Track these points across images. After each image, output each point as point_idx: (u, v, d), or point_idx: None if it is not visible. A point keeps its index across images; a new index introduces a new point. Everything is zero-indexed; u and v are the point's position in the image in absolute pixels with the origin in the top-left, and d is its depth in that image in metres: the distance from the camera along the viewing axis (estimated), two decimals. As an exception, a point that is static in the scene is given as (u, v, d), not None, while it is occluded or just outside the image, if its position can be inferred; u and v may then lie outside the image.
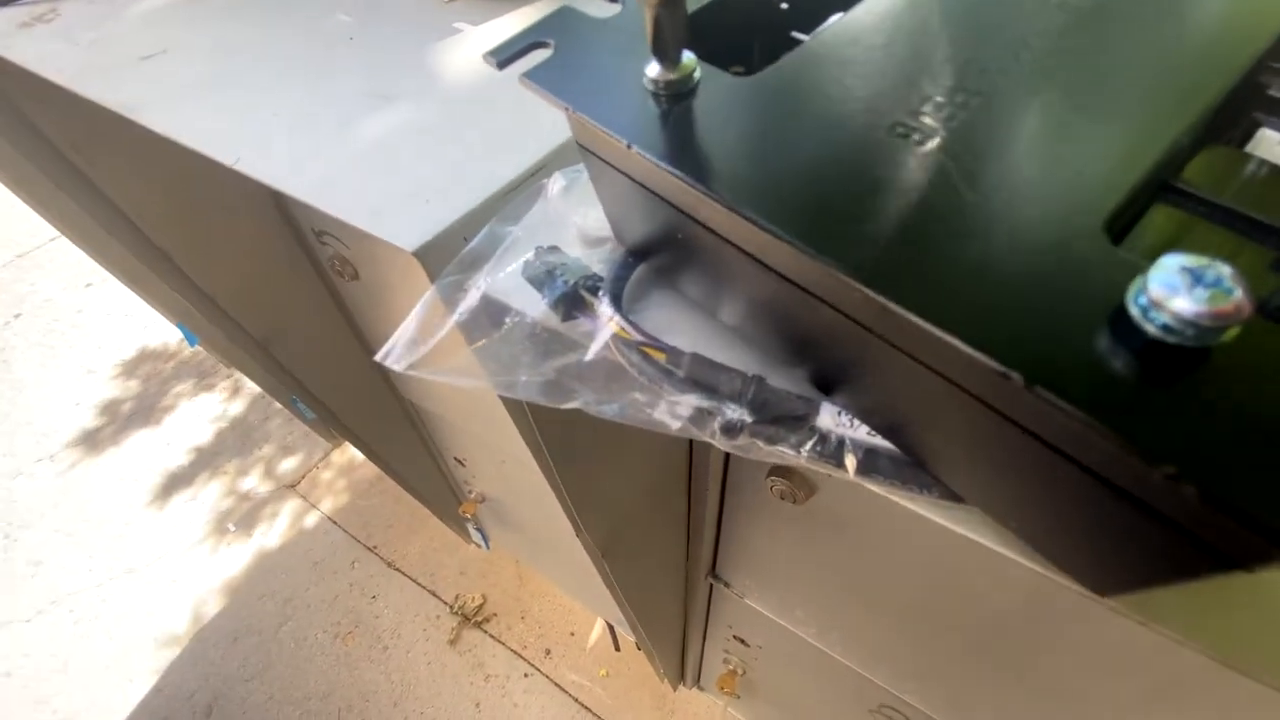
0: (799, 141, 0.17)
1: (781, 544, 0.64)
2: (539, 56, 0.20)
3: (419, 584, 1.59)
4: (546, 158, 0.33)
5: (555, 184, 0.27)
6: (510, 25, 0.48)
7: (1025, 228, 0.15)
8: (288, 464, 1.80)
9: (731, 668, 0.95)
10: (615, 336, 0.21)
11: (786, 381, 0.21)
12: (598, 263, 0.24)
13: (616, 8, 0.21)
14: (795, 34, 0.21)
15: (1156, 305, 0.13)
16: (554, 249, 0.25)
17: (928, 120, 0.17)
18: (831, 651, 0.72)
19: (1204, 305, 0.12)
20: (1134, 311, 0.13)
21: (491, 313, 0.24)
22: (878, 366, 0.17)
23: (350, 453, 1.80)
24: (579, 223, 0.25)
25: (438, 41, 0.46)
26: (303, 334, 0.79)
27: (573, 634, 1.52)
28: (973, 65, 0.17)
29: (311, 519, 1.69)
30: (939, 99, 0.17)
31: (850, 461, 0.20)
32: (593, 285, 0.23)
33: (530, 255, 0.24)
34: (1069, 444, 0.14)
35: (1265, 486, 0.12)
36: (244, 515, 1.71)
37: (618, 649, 1.41)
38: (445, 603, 1.56)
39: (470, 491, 1.09)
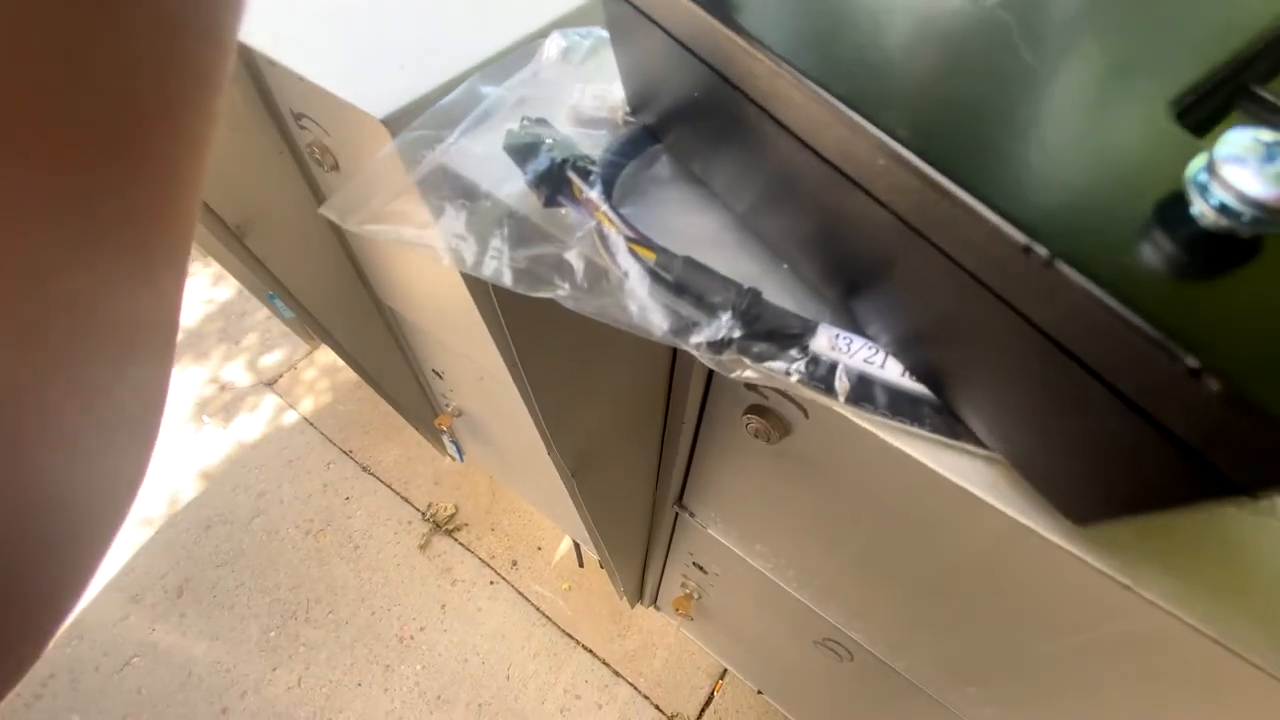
0: None
1: (750, 481, 0.65)
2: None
3: (393, 490, 1.62)
4: (547, 26, 0.29)
5: (553, 44, 0.24)
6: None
7: (1083, 98, 0.14)
8: (269, 359, 1.78)
9: (688, 591, 0.99)
10: (600, 227, 0.20)
11: (786, 300, 0.20)
12: (591, 146, 0.22)
13: None
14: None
15: (1219, 180, 0.11)
16: (542, 121, 0.22)
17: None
18: (786, 586, 0.75)
19: (1274, 185, 0.11)
20: (1192, 188, 0.12)
21: (457, 183, 0.22)
22: (896, 255, 0.16)
23: (332, 355, 1.79)
24: (575, 97, 0.23)
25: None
26: (281, 228, 0.76)
27: (539, 549, 1.57)
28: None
29: (289, 417, 1.70)
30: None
31: (842, 386, 0.19)
32: (583, 167, 0.21)
33: (514, 125, 0.22)
34: (1082, 338, 0.13)
35: (1236, 358, 0.11)
36: (222, 407, 1.70)
37: (581, 565, 1.46)
38: (418, 510, 1.60)
39: (447, 405, 1.09)
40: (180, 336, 1.92)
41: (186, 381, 1.73)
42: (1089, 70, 0.14)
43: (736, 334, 0.19)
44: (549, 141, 0.21)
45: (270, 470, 1.62)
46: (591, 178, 0.21)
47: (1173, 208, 0.12)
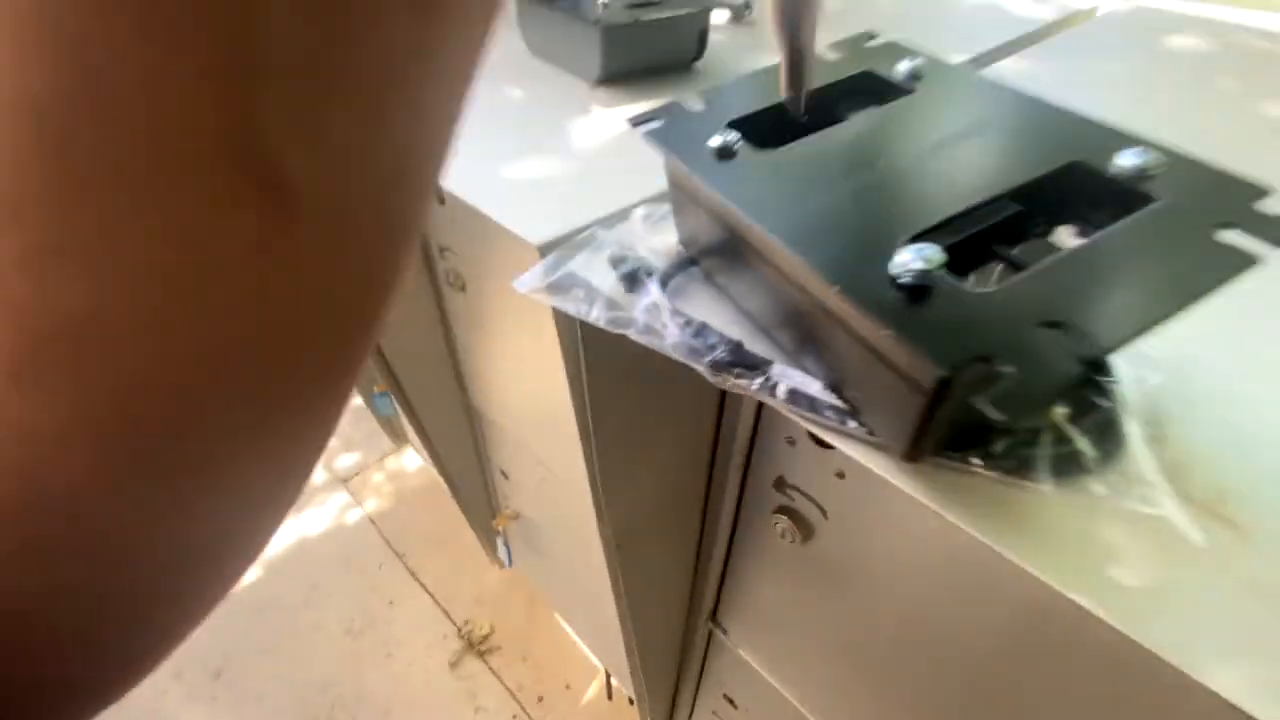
0: (788, 186, 0.29)
1: (782, 590, 0.69)
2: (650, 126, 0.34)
3: (435, 599, 1.65)
4: (638, 200, 0.45)
5: (639, 212, 0.40)
6: (626, 111, 0.62)
7: (872, 227, 0.27)
8: (346, 460, 1.94)
9: (716, 731, 0.96)
10: (653, 304, 0.33)
11: (760, 350, 0.32)
12: (656, 264, 0.37)
13: (702, 104, 0.34)
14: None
15: (902, 263, 0.24)
16: (631, 248, 0.37)
17: (855, 180, 0.29)
18: (813, 718, 0.75)
19: (921, 264, 0.24)
20: (896, 265, 0.25)
21: (578, 279, 0.36)
22: (801, 312, 0.29)
23: (402, 461, 1.93)
24: (651, 241, 0.38)
25: (579, 116, 0.61)
26: (406, 335, 0.93)
27: (568, 687, 1.53)
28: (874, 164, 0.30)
29: (353, 515, 1.81)
30: (865, 181, 0.30)
31: (780, 392, 0.29)
32: (649, 272, 0.35)
33: (615, 249, 0.37)
34: (861, 331, 0.25)
35: (935, 343, 0.22)
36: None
37: (610, 698, 1.41)
38: (455, 625, 1.61)
39: (507, 506, 1.18)
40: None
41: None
42: (872, 214, 0.28)
43: (724, 359, 0.30)
44: (633, 256, 0.36)
45: (327, 564, 1.70)
46: (653, 276, 0.35)
47: (889, 272, 0.25)
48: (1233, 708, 0.20)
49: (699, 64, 0.68)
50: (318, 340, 0.12)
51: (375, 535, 1.77)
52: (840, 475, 0.53)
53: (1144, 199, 0.25)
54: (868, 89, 0.35)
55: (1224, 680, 0.21)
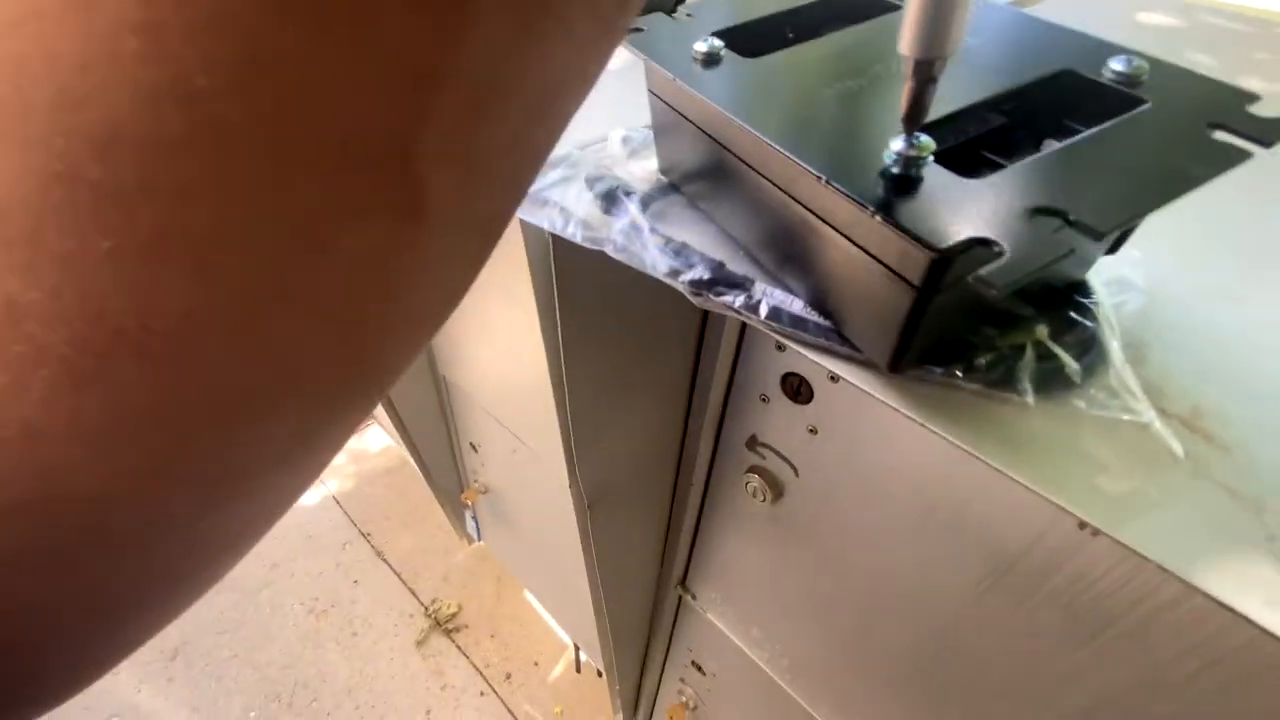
0: (776, 90, 0.28)
1: (751, 551, 0.69)
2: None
3: (401, 579, 1.63)
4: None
5: (616, 134, 0.38)
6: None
7: (859, 125, 0.27)
8: (309, 439, 1.89)
9: (684, 700, 0.96)
10: (632, 224, 0.32)
11: (741, 268, 0.31)
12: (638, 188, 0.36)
13: (686, 15, 0.32)
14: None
15: (891, 154, 0.24)
16: (608, 169, 0.36)
17: (842, 86, 0.28)
18: (779, 679, 0.75)
19: (907, 149, 0.23)
20: (886, 155, 0.24)
21: (551, 200, 0.35)
22: (784, 218, 0.28)
23: (366, 441, 1.89)
24: (630, 166, 0.36)
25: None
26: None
27: (537, 664, 1.52)
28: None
29: (316, 494, 1.76)
30: (852, 87, 0.28)
31: (763, 310, 0.28)
32: (628, 191, 0.34)
33: (592, 170, 0.35)
34: (849, 230, 0.24)
35: (927, 226, 0.21)
36: (257, 478, 1.79)
37: (579, 670, 1.41)
38: (422, 603, 1.59)
39: (475, 480, 1.16)
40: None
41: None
42: (861, 116, 0.27)
43: (705, 277, 0.29)
44: (609, 177, 0.34)
45: (288, 543, 1.66)
46: (632, 196, 0.33)
47: (881, 162, 0.24)
48: (1221, 606, 0.20)
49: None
50: (396, 349, 0.12)
51: (340, 514, 1.73)
52: (813, 431, 0.53)
53: (1135, 102, 0.24)
54: (852, 13, 0.34)
55: (1208, 578, 0.21)
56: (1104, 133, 0.23)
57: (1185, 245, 0.33)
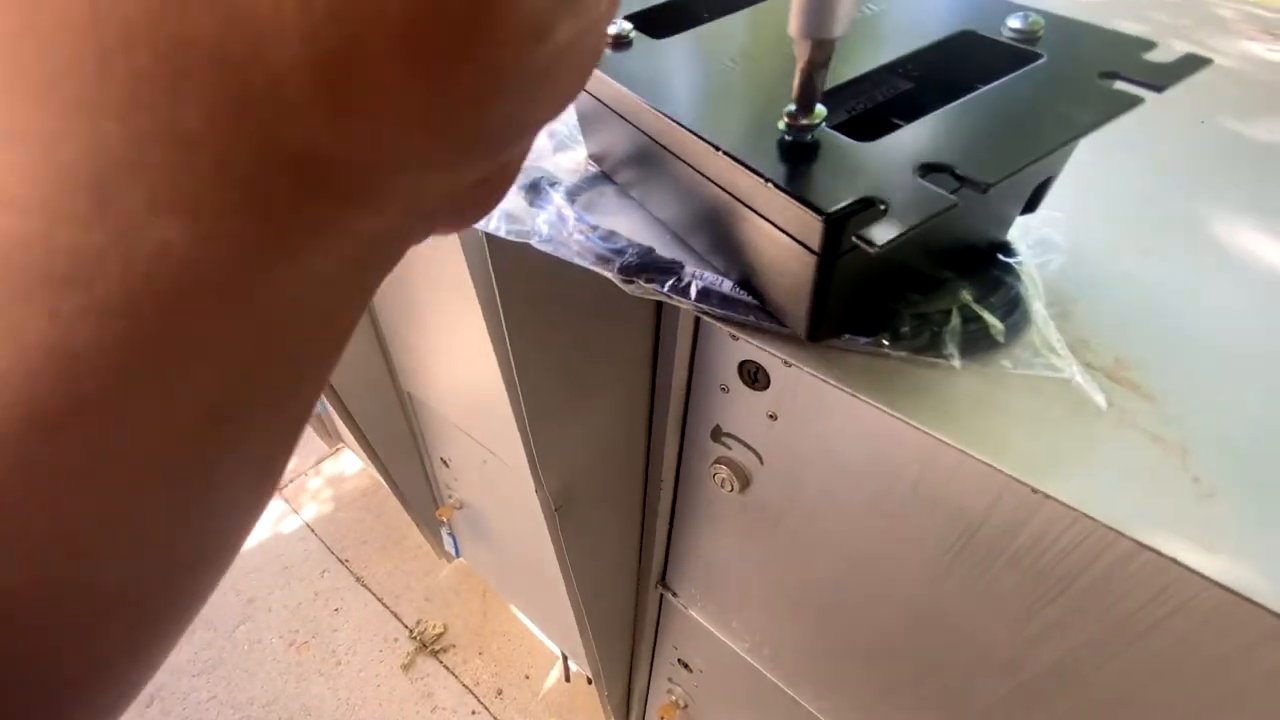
0: (682, 69, 0.28)
1: (725, 543, 0.69)
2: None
3: (383, 603, 1.59)
4: None
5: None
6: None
7: (757, 96, 0.26)
8: (279, 468, 1.84)
9: (674, 699, 0.96)
10: (558, 214, 0.31)
11: (671, 253, 0.31)
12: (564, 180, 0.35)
13: None
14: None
15: (790, 119, 0.23)
16: (531, 162, 0.35)
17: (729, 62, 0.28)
18: (762, 668, 0.75)
19: (807, 119, 0.23)
20: (780, 124, 0.24)
21: None
22: (702, 197, 0.28)
23: (341, 465, 1.85)
24: (557, 159, 0.36)
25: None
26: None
27: (527, 677, 1.50)
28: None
29: (290, 523, 1.72)
30: (759, 61, 0.28)
31: (692, 291, 0.28)
32: (553, 182, 0.33)
33: None
34: (753, 201, 0.24)
35: (816, 190, 0.21)
36: (227, 512, 1.74)
37: (568, 680, 1.39)
38: (406, 626, 1.56)
39: (449, 496, 1.14)
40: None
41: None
42: (764, 89, 0.27)
43: (634, 263, 0.29)
44: (533, 168, 0.34)
45: (264, 576, 1.62)
46: (557, 186, 0.33)
47: (773, 137, 0.24)
48: (1159, 555, 0.20)
49: None
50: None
51: (315, 542, 1.69)
52: (772, 417, 0.53)
53: (1033, 57, 0.24)
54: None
55: (1143, 528, 0.21)
56: (997, 88, 0.23)
57: (1107, 204, 0.33)
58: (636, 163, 0.32)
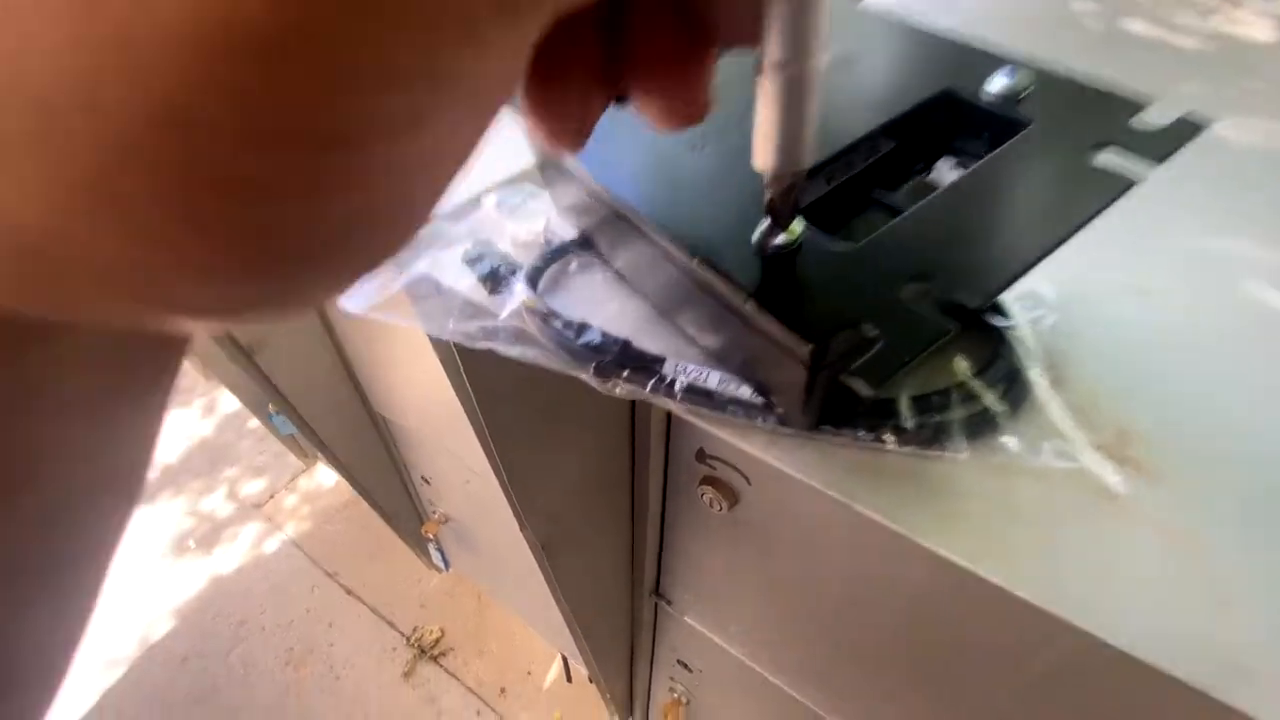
0: (656, 151, 0.25)
1: (716, 556, 0.68)
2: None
3: (377, 614, 1.58)
4: (491, 187, 0.40)
5: (490, 199, 0.35)
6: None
7: (728, 196, 0.25)
8: (255, 485, 1.80)
9: (676, 696, 0.97)
10: (525, 305, 0.28)
11: (661, 339, 0.28)
12: (521, 259, 0.33)
13: None
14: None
15: (769, 235, 0.22)
16: (488, 243, 0.32)
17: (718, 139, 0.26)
18: (763, 670, 0.75)
19: (782, 239, 0.21)
20: (759, 235, 0.22)
21: (430, 283, 0.31)
22: (686, 287, 0.26)
23: (318, 478, 1.81)
24: (512, 230, 0.33)
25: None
26: (289, 347, 0.84)
27: (529, 674, 1.51)
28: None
29: (273, 542, 1.69)
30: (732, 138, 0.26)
31: (678, 388, 0.26)
32: (514, 269, 0.30)
33: (470, 245, 0.31)
34: (730, 297, 0.23)
35: (799, 313, 0.21)
36: (205, 534, 1.70)
37: (570, 680, 1.41)
38: (403, 634, 1.55)
39: (434, 512, 1.12)
40: (159, 471, 1.91)
41: (167, 514, 1.73)
42: (748, 175, 0.24)
43: (611, 361, 0.26)
44: (492, 252, 0.31)
45: (252, 598, 1.59)
46: (518, 274, 0.30)
47: (750, 242, 0.23)
48: (1159, 673, 0.19)
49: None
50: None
51: (301, 558, 1.66)
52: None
53: (1018, 125, 0.23)
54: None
55: (1149, 648, 0.20)
56: (980, 171, 0.21)
57: (1087, 239, 0.32)
58: (609, 233, 0.29)
